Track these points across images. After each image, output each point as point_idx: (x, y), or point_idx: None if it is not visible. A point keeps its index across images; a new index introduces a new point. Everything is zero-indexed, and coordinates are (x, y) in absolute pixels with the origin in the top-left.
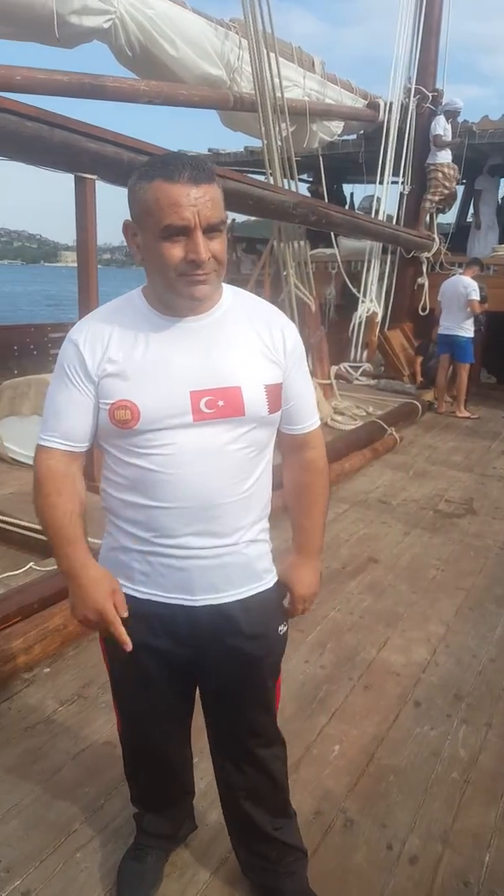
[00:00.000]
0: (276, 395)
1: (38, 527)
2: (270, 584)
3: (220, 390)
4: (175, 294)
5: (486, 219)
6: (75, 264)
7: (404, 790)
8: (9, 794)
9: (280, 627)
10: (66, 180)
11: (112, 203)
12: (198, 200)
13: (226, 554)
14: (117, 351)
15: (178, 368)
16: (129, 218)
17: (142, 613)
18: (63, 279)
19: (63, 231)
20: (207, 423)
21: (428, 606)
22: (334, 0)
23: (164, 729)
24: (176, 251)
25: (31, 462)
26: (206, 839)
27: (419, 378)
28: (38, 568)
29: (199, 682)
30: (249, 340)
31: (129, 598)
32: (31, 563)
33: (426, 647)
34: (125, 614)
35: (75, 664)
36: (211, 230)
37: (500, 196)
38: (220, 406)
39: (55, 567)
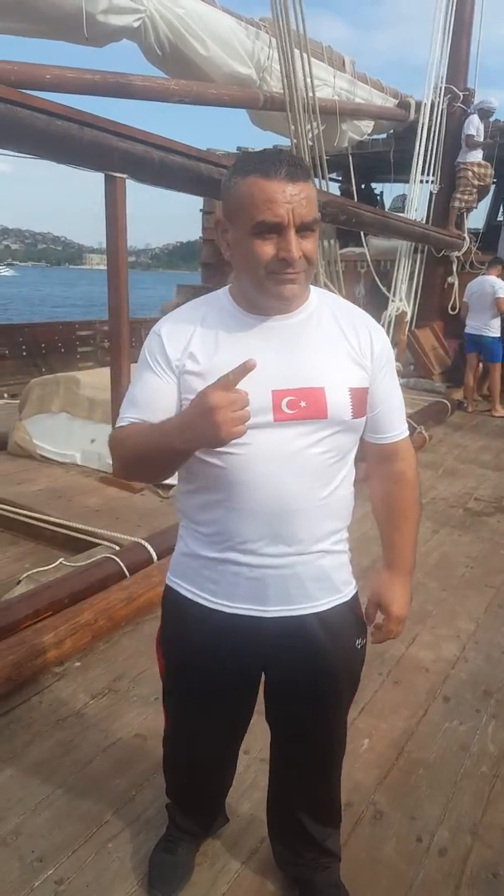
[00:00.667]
0: (361, 399)
1: (68, 523)
2: (349, 597)
3: (303, 391)
4: (263, 293)
5: None
6: (100, 267)
7: (433, 784)
8: (41, 786)
9: (358, 641)
10: (91, 182)
11: (136, 206)
12: (293, 198)
13: (300, 563)
14: (200, 347)
15: (261, 367)
16: (219, 214)
17: (208, 621)
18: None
19: (88, 233)
20: (288, 423)
21: (457, 604)
22: (362, 4)
23: (215, 740)
24: (267, 248)
25: (60, 459)
26: (237, 829)
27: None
28: (67, 563)
29: (266, 694)
30: (335, 341)
31: (195, 605)
32: (61, 559)
33: (455, 643)
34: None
35: (106, 658)
36: (304, 229)
37: None
38: (302, 407)
39: (85, 562)
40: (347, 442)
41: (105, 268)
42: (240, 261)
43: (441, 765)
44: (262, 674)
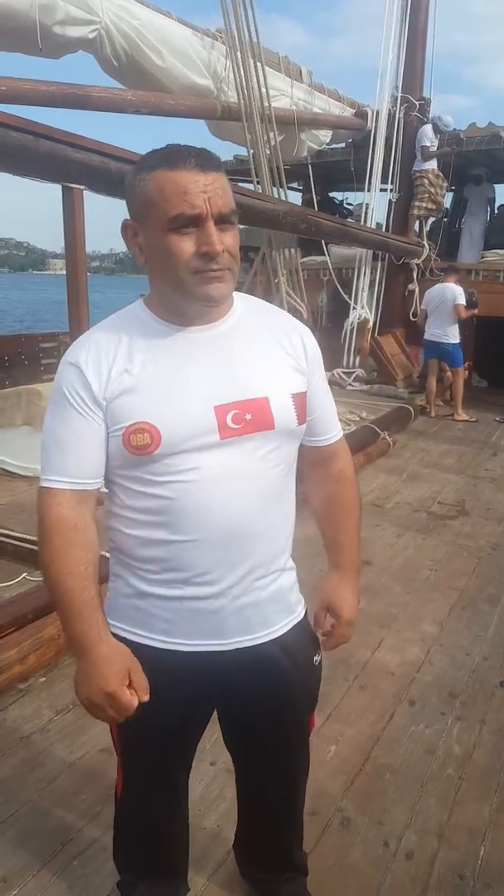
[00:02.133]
0: (302, 404)
1: (30, 537)
2: (302, 615)
3: (247, 402)
4: (187, 297)
5: (472, 227)
6: (62, 272)
7: (400, 788)
8: (5, 805)
9: (315, 658)
10: (53, 188)
11: (98, 210)
12: (207, 187)
13: (260, 588)
14: (126, 368)
15: (197, 383)
16: (127, 217)
17: (161, 665)
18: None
19: (51, 239)
20: (234, 440)
21: (422, 607)
22: (319, 10)
23: (174, 784)
24: (186, 245)
25: (23, 472)
26: (203, 843)
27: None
28: (31, 578)
29: (224, 724)
30: (270, 348)
31: (146, 648)
32: (24, 574)
33: (420, 646)
34: (146, 698)
35: (71, 673)
36: (223, 221)
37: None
38: (248, 420)
39: None
40: (292, 451)
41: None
42: (157, 264)
43: (407, 769)
44: (218, 706)
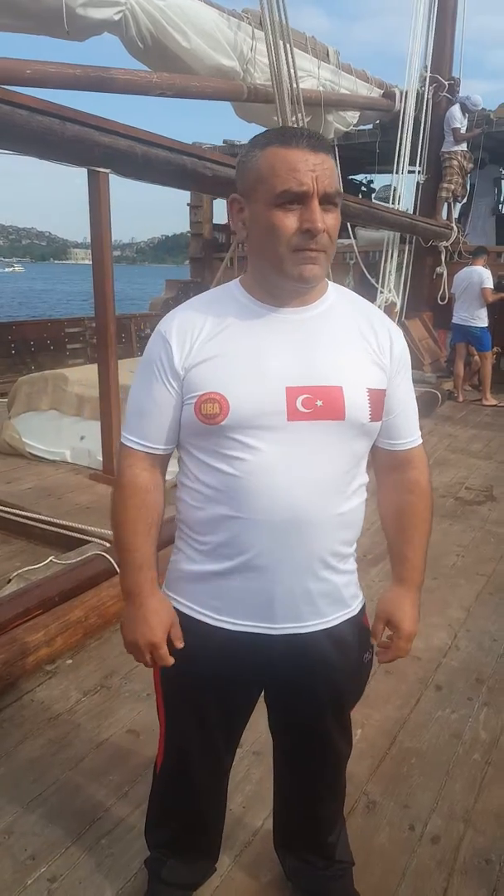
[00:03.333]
0: (378, 401)
1: (58, 520)
2: (357, 611)
3: (320, 389)
4: (282, 274)
5: (479, 208)
6: (85, 261)
7: (426, 772)
8: (34, 784)
9: (365, 655)
10: (73, 176)
11: (119, 198)
12: (316, 167)
13: (312, 579)
14: (209, 341)
15: (274, 362)
16: (235, 194)
17: (212, 642)
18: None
19: (72, 228)
20: (303, 424)
21: (449, 592)
22: None
23: (215, 764)
24: (290, 221)
25: (50, 457)
26: (229, 822)
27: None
28: (58, 561)
29: (270, 707)
30: (354, 339)
31: (198, 624)
32: (51, 557)
33: (447, 631)
34: (181, 645)
35: (98, 655)
36: (327, 201)
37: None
38: (318, 406)
39: (75, 560)
40: (362, 447)
41: (89, 262)
42: (258, 239)
43: (433, 753)
44: (264, 688)
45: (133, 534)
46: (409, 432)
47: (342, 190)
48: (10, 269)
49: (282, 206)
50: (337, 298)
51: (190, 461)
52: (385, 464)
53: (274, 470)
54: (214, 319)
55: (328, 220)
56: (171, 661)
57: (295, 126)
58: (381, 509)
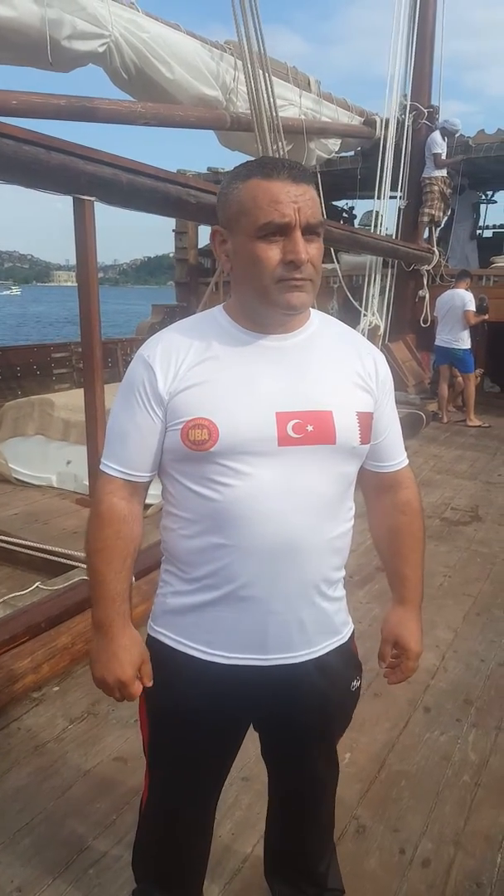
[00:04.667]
0: (367, 424)
1: (43, 546)
2: (346, 638)
3: (310, 414)
4: (268, 304)
5: (459, 233)
6: (68, 283)
7: (416, 795)
8: (20, 814)
9: (354, 683)
10: (54, 200)
11: (100, 221)
12: (298, 198)
13: (305, 606)
14: (194, 367)
15: (263, 388)
16: (216, 225)
17: (202, 677)
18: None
19: (55, 251)
20: (293, 450)
21: (435, 613)
22: (316, 19)
23: (203, 802)
24: (272, 252)
25: (36, 482)
26: (218, 850)
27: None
28: (44, 587)
29: (262, 737)
30: (341, 364)
31: (187, 658)
32: (37, 583)
33: (435, 652)
34: (149, 684)
35: (85, 682)
36: (310, 231)
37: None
38: (309, 431)
39: (62, 585)
40: (352, 470)
41: (72, 284)
42: (242, 270)
43: (423, 776)
44: (253, 720)
45: (107, 565)
46: (396, 454)
47: (325, 217)
48: (8, 291)
49: (265, 238)
50: (320, 325)
51: (174, 488)
52: (374, 486)
53: (264, 496)
54: (199, 345)
55: (311, 250)
56: (137, 695)
57: (276, 157)
58: (373, 531)
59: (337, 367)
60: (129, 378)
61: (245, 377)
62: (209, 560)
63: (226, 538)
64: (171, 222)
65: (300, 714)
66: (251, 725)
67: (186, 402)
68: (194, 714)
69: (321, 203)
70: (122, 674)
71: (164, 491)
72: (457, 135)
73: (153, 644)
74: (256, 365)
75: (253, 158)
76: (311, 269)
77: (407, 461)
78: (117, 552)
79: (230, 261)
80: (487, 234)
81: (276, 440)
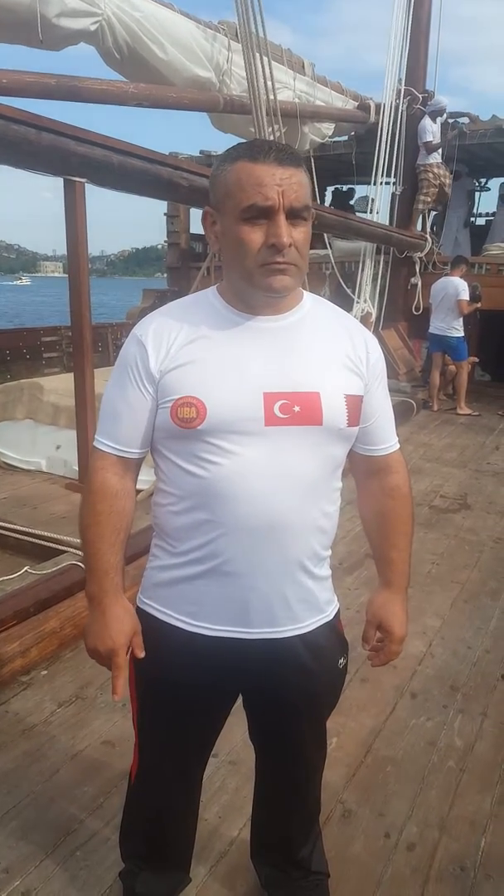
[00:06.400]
0: (355, 407)
1: (33, 530)
2: (332, 616)
3: (297, 395)
4: (252, 286)
5: (452, 220)
6: (55, 274)
7: (401, 780)
8: (7, 797)
9: (340, 661)
10: (41, 189)
11: (90, 214)
12: (283, 181)
13: (289, 584)
14: (185, 346)
15: (252, 368)
16: (208, 206)
17: (186, 648)
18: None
19: (42, 240)
20: (280, 429)
21: (424, 600)
22: (305, 11)
23: (190, 772)
24: (255, 236)
25: (25, 466)
26: (204, 834)
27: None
28: (33, 572)
29: (249, 714)
30: (330, 347)
31: (172, 629)
32: (26, 567)
33: (422, 639)
34: (141, 654)
35: (73, 666)
36: (294, 216)
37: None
38: (296, 412)
39: (51, 570)
40: (340, 452)
41: (60, 275)
42: (228, 252)
43: (409, 761)
44: (240, 694)
45: (100, 539)
46: (386, 438)
47: (318, 201)
48: (19, 281)
49: (248, 221)
50: (312, 307)
51: (165, 465)
52: (364, 470)
53: (251, 475)
54: (191, 325)
55: (296, 235)
56: (140, 655)
57: (266, 139)
58: (362, 514)
59: (326, 349)
60: (122, 356)
61: (234, 357)
62: (195, 535)
63: (212, 515)
64: (159, 213)
65: (286, 689)
66: (241, 702)
67: (176, 381)
68: (179, 683)
69: (313, 187)
70: (114, 644)
71: (156, 468)
72: (444, 115)
73: (141, 615)
74: (246, 346)
75: (246, 141)
76: (294, 253)
77: (398, 446)
78: (110, 526)
79: (219, 242)
80: (480, 221)
81: (262, 420)
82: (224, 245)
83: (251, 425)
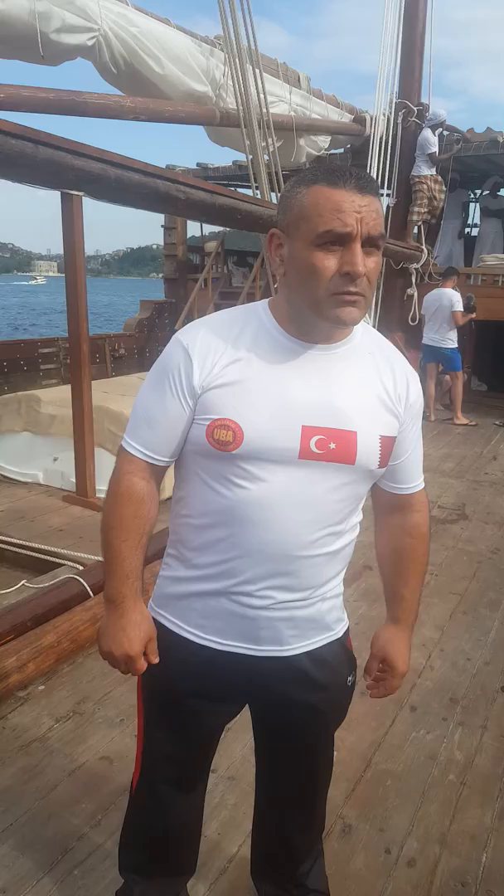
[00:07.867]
0: (388, 448)
1: (30, 543)
2: (340, 634)
3: (335, 431)
4: (319, 315)
5: (446, 231)
6: (49, 273)
7: (402, 794)
8: (4, 814)
9: (349, 678)
10: (38, 190)
11: (86, 214)
12: (362, 209)
13: (298, 608)
14: (230, 364)
15: (294, 397)
16: (275, 228)
17: (196, 658)
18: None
19: (36, 240)
20: (312, 464)
21: (422, 612)
22: (300, 13)
23: (192, 784)
24: (329, 262)
25: (23, 479)
26: (204, 850)
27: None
28: (30, 585)
29: (255, 729)
30: (373, 384)
31: (184, 640)
32: (23, 581)
33: (421, 651)
34: (156, 661)
35: (70, 681)
36: (370, 244)
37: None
38: (331, 449)
39: (48, 584)
40: (364, 491)
41: (55, 275)
42: (296, 277)
43: (409, 775)
44: (247, 706)
45: (123, 542)
46: (413, 477)
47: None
48: (34, 280)
49: (323, 247)
50: (362, 338)
51: (190, 478)
52: (386, 505)
53: (276, 504)
54: (239, 342)
55: (369, 264)
56: (154, 661)
57: (344, 165)
58: (378, 549)
59: (369, 387)
60: (164, 360)
61: (277, 384)
62: (213, 552)
63: (232, 536)
64: (153, 214)
65: (294, 705)
66: (242, 719)
67: (217, 399)
68: (185, 693)
69: (384, 216)
70: (130, 648)
71: (181, 479)
72: (443, 127)
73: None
74: (291, 373)
75: (242, 156)
76: (365, 283)
77: (423, 485)
78: (134, 530)
79: (284, 265)
80: (475, 233)
81: (297, 452)
82: (291, 269)
83: (285, 455)
